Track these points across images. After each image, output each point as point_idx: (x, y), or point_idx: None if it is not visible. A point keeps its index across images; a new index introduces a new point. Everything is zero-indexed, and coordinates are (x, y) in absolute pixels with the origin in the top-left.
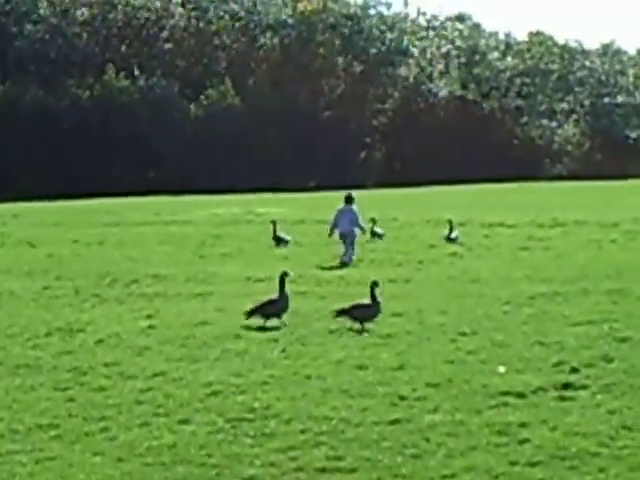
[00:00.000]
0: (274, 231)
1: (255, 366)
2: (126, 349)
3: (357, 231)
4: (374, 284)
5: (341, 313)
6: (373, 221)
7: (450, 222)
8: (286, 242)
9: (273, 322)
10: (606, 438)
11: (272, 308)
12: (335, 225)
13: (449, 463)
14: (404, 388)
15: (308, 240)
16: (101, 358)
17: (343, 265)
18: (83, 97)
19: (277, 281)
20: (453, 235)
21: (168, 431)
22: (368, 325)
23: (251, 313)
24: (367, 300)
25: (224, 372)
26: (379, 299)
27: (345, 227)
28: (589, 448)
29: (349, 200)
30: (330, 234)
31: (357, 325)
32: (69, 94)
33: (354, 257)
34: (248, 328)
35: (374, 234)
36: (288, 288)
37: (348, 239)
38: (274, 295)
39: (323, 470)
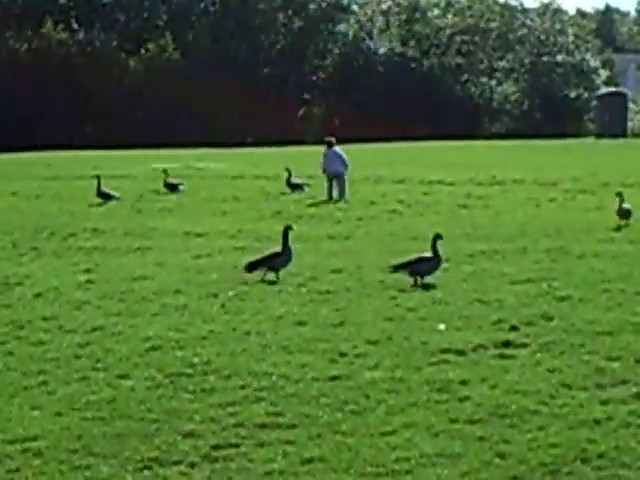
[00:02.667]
0: (98, 186)
1: (194, 321)
2: (64, 303)
3: (346, 170)
4: (437, 237)
5: (400, 267)
6: (288, 171)
7: None
8: (113, 197)
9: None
10: (546, 396)
11: (277, 261)
12: (325, 167)
13: (389, 420)
14: (344, 345)
15: (247, 195)
16: (39, 312)
17: (337, 202)
18: (21, 50)
19: (280, 234)
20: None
21: (107, 386)
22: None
23: (252, 266)
24: (428, 253)
25: (163, 327)
26: (440, 252)
27: (336, 168)
28: (529, 406)
29: (331, 144)
30: (324, 172)
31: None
32: (7, 46)
33: (347, 195)
34: (187, 283)
35: (294, 186)
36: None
37: (339, 179)
38: (277, 248)
39: (263, 426)
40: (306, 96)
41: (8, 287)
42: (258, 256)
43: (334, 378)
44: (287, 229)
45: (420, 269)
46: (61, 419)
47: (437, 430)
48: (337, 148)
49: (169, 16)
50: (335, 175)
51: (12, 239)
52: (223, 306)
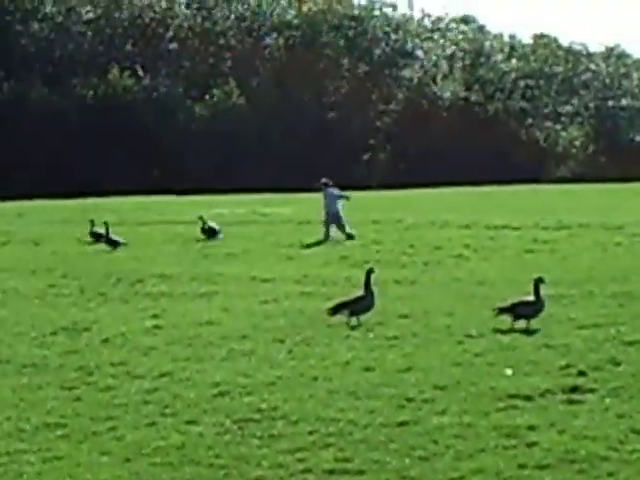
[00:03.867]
0: (107, 233)
1: (262, 367)
2: (132, 349)
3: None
4: (539, 280)
5: (503, 310)
6: (201, 219)
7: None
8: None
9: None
10: (615, 442)
11: (359, 305)
12: (328, 209)
13: (457, 466)
14: (411, 390)
15: (313, 240)
16: (107, 357)
17: (350, 238)
18: (87, 96)
19: (363, 278)
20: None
21: (176, 431)
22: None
23: (335, 310)
24: (530, 297)
25: (231, 372)
26: (542, 295)
27: (335, 207)
28: (598, 452)
29: (327, 185)
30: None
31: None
32: (74, 93)
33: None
34: (254, 328)
35: (208, 231)
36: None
37: (340, 218)
38: (360, 292)
39: (331, 472)
40: (371, 141)
41: (76, 333)
42: (341, 300)
43: (402, 424)
44: (369, 272)
45: (523, 312)
46: (130, 465)
47: (506, 476)
48: (332, 189)
49: (234, 62)
50: (336, 215)
51: (80, 285)
52: (290, 352)
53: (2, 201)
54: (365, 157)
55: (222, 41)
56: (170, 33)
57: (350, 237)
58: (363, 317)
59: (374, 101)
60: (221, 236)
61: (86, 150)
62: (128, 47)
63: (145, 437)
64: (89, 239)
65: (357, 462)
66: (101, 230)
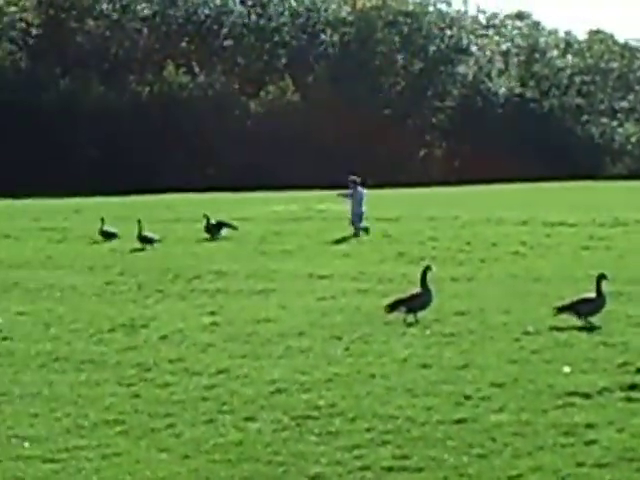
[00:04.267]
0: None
1: (319, 364)
2: (190, 345)
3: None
4: (601, 277)
5: (564, 309)
6: (205, 217)
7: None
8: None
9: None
10: None
11: (415, 302)
12: (354, 207)
13: (515, 463)
14: (469, 387)
15: (369, 237)
16: (165, 354)
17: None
18: (143, 93)
19: (419, 275)
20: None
21: (234, 428)
22: (591, 319)
23: (393, 306)
24: (592, 294)
25: (288, 370)
26: (604, 293)
27: (361, 208)
28: None
29: (355, 183)
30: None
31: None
32: (129, 90)
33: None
34: (311, 325)
35: (213, 229)
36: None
37: (361, 216)
38: (416, 289)
39: (389, 469)
40: (426, 137)
41: (134, 329)
42: (398, 297)
43: (459, 421)
44: (426, 270)
45: (584, 310)
46: (188, 462)
47: (564, 474)
48: (360, 188)
49: (289, 59)
50: (360, 213)
51: (137, 281)
52: (347, 349)
53: (59, 197)
54: (420, 154)
55: (277, 38)
56: (225, 30)
57: (365, 231)
58: (420, 314)
59: (429, 98)
60: (224, 232)
61: (141, 147)
62: (183, 44)
63: (203, 434)
64: (99, 238)
65: (415, 459)
66: (113, 229)
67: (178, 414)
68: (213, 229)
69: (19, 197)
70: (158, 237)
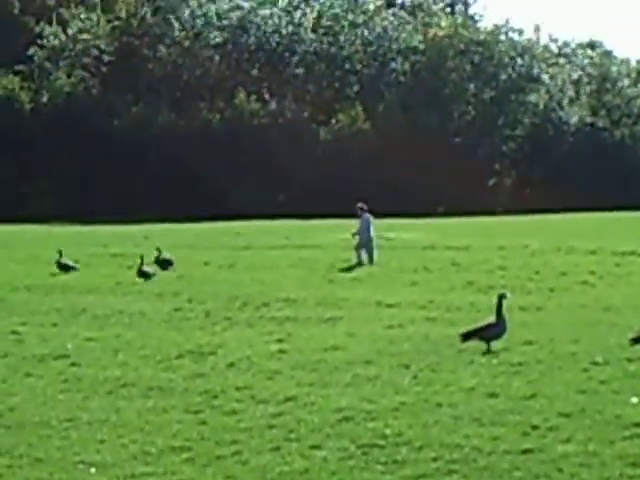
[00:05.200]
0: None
1: (386, 392)
2: (257, 373)
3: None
4: None
5: (637, 341)
6: (158, 250)
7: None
8: (70, 268)
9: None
10: None
11: (490, 332)
12: (361, 233)
13: None
14: (536, 417)
15: (437, 266)
16: (232, 381)
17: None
18: (214, 120)
19: (495, 303)
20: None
21: (300, 456)
22: None
23: (467, 336)
24: None
25: (355, 398)
26: None
27: (368, 233)
28: None
29: (363, 210)
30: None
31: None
32: (200, 117)
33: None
34: (379, 353)
35: (162, 263)
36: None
37: (370, 243)
38: (492, 318)
39: None
40: (496, 166)
41: (202, 356)
42: (473, 326)
43: (526, 451)
44: (501, 298)
45: None
46: None
47: None
48: (367, 215)
49: (360, 87)
50: (369, 240)
51: (205, 308)
52: (415, 377)
53: (129, 224)
54: (490, 182)
55: (348, 66)
56: (296, 58)
57: (371, 262)
58: (493, 343)
59: (499, 126)
60: (171, 268)
61: (212, 174)
62: (255, 71)
63: (269, 462)
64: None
65: None
66: (70, 262)
67: (244, 442)
68: (162, 263)
69: (88, 223)
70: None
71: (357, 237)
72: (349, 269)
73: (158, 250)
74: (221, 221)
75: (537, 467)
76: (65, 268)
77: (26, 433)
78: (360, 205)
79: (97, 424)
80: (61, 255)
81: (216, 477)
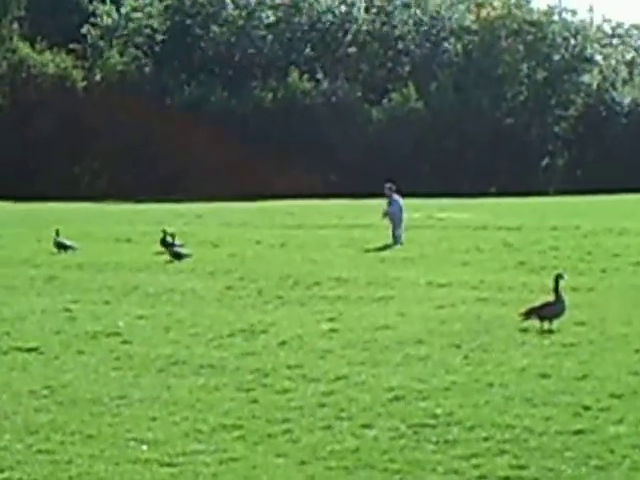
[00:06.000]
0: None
1: (437, 372)
2: (309, 352)
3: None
4: None
5: None
6: (164, 232)
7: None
8: (68, 248)
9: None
10: None
11: (548, 311)
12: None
13: (633, 476)
14: (587, 398)
15: (489, 246)
16: (284, 360)
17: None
18: (266, 99)
19: (552, 283)
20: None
21: (351, 435)
22: None
23: (527, 314)
24: None
25: (406, 377)
26: None
27: (399, 213)
28: None
29: (392, 190)
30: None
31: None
32: (253, 96)
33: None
34: (430, 333)
35: (167, 244)
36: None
37: (400, 223)
38: (550, 298)
39: (506, 479)
40: (549, 147)
41: (253, 335)
42: (533, 305)
43: (578, 432)
44: (557, 277)
45: None
46: (305, 467)
47: None
48: (395, 196)
49: (412, 66)
50: (398, 220)
51: (257, 287)
52: (466, 357)
53: (181, 202)
54: (543, 163)
55: (400, 45)
56: (349, 37)
57: (396, 243)
58: (530, 323)
59: (552, 107)
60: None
61: (263, 153)
62: (307, 51)
63: (320, 440)
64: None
65: (532, 470)
66: (68, 241)
67: (295, 420)
68: (168, 246)
69: (140, 201)
70: (189, 252)
71: (388, 218)
72: (400, 249)
73: (163, 232)
74: (273, 200)
75: (588, 448)
76: (63, 247)
77: (78, 410)
78: (389, 185)
79: (149, 402)
80: (58, 234)
81: (267, 455)
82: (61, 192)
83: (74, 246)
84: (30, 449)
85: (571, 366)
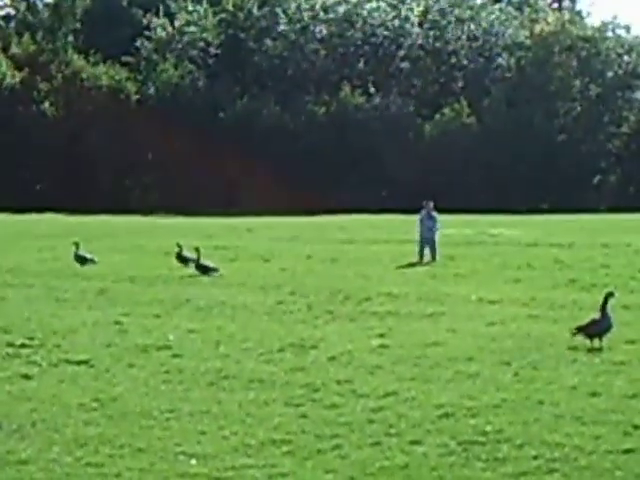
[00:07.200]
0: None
1: (487, 389)
2: (358, 367)
3: (437, 232)
4: None
5: None
6: (178, 246)
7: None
8: (88, 261)
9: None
10: None
11: (593, 328)
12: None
13: None
14: (638, 417)
15: (541, 263)
16: (333, 375)
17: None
18: (319, 114)
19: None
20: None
21: (400, 452)
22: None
23: (577, 331)
24: None
25: (456, 394)
26: None
27: (426, 233)
28: None
29: (422, 207)
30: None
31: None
32: (305, 111)
33: (438, 257)
34: (480, 350)
35: (183, 259)
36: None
37: (430, 243)
38: (597, 315)
39: None
40: (601, 163)
41: (303, 350)
42: (582, 323)
43: (628, 451)
44: (607, 296)
45: None
46: None
47: None
48: (430, 212)
49: (465, 81)
50: (428, 240)
51: (308, 302)
52: (516, 374)
53: (231, 217)
54: (595, 180)
55: (453, 60)
56: (402, 52)
57: (434, 258)
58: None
59: (605, 123)
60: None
61: (315, 167)
62: (360, 65)
63: (369, 456)
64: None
65: None
66: (88, 254)
67: (345, 436)
68: (187, 261)
69: (192, 215)
70: (215, 266)
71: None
72: (451, 265)
73: (179, 246)
74: (324, 215)
75: (638, 467)
76: (82, 260)
77: (128, 423)
78: (426, 202)
79: (198, 415)
80: (78, 247)
81: (316, 470)
82: (112, 205)
83: (94, 259)
84: (79, 462)
85: (621, 384)
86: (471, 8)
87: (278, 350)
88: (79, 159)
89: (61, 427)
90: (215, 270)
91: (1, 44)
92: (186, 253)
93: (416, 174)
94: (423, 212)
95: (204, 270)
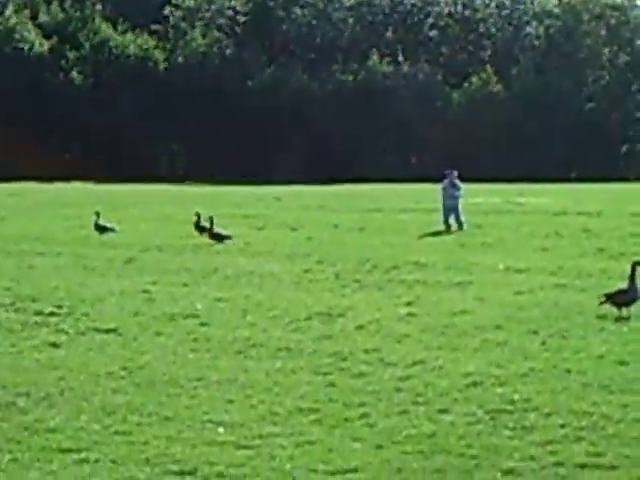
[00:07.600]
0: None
1: (515, 358)
2: (386, 336)
3: (460, 200)
4: None
5: None
6: (197, 215)
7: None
8: (108, 230)
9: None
10: None
11: (621, 298)
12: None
13: None
14: None
15: (568, 232)
16: (361, 344)
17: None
18: (347, 82)
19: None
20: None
21: (427, 420)
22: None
23: (603, 302)
24: None
25: (484, 363)
26: None
27: (448, 201)
28: None
29: (444, 176)
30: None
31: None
32: (333, 79)
33: (464, 226)
34: (508, 319)
35: (202, 229)
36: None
37: (456, 210)
38: (625, 285)
39: (583, 466)
40: (629, 133)
41: (331, 318)
42: (609, 292)
43: None
44: (635, 265)
45: None
46: (381, 452)
47: None
48: (455, 181)
49: (493, 50)
50: (453, 207)
51: (335, 271)
52: (544, 343)
53: (262, 185)
54: (623, 149)
55: (482, 29)
56: (430, 20)
57: (460, 227)
58: (607, 309)
59: (633, 92)
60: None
61: (343, 136)
62: (388, 34)
63: (397, 425)
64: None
65: (609, 457)
66: (108, 224)
67: (372, 404)
68: (204, 230)
69: (220, 184)
70: (229, 233)
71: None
72: (479, 234)
73: (197, 215)
74: (352, 183)
75: None
76: (102, 229)
77: (156, 391)
78: (447, 171)
79: (226, 384)
80: (98, 216)
81: (344, 439)
82: (141, 173)
83: (114, 228)
84: (107, 430)
85: None
86: None
87: (305, 319)
88: (108, 127)
89: (89, 395)
90: (229, 237)
91: (29, 12)
92: (204, 223)
93: (444, 142)
94: (446, 181)
95: (218, 238)
